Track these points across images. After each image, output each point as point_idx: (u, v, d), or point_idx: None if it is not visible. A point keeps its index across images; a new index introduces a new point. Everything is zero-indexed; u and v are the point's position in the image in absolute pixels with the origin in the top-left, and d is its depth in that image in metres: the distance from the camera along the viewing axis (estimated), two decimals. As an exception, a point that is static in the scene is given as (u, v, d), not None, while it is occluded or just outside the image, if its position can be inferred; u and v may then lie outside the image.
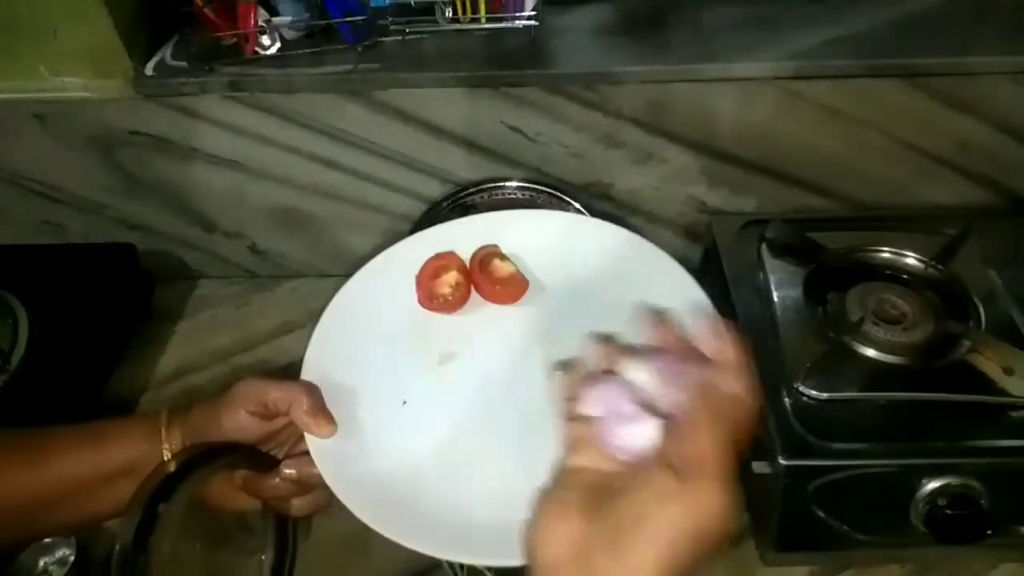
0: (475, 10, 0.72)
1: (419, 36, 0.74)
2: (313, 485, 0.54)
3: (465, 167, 0.80)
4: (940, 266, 0.69)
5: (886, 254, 0.71)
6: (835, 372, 0.60)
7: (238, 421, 0.52)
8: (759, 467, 0.58)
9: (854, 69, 0.69)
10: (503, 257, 0.64)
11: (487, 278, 0.63)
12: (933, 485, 0.55)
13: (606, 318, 0.53)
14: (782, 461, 0.55)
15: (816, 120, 0.73)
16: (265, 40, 0.73)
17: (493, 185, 0.80)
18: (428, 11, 0.73)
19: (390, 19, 0.73)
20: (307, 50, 0.74)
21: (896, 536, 0.59)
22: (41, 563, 0.63)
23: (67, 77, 0.73)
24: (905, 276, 0.69)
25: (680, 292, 0.56)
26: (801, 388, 0.59)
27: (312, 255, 0.90)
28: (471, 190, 0.81)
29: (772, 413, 0.58)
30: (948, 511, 0.55)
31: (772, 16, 0.75)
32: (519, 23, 0.72)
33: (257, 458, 0.54)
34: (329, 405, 0.54)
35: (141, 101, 0.74)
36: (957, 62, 0.69)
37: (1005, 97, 0.71)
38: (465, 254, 0.64)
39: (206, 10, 0.71)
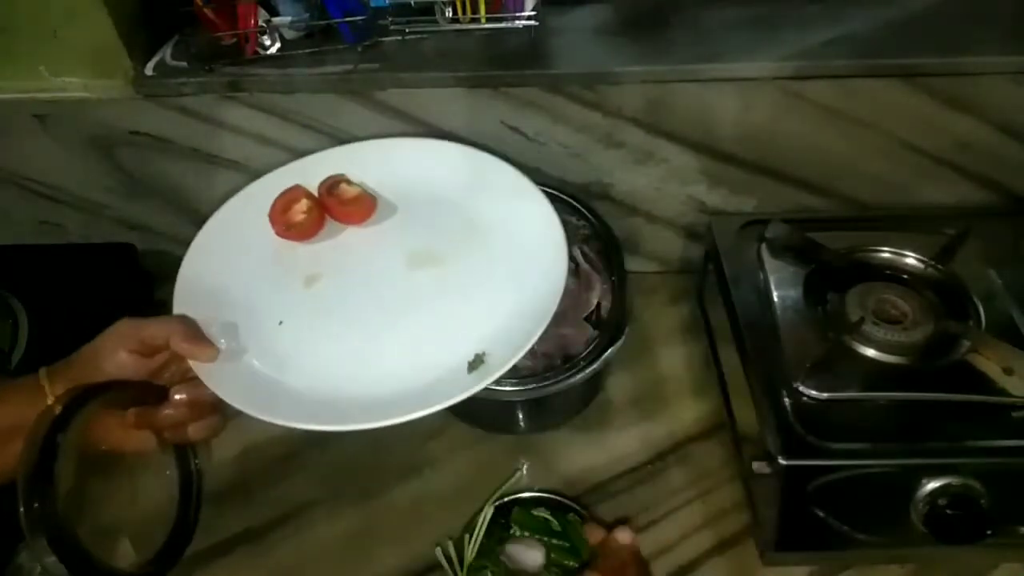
0: (475, 10, 0.72)
1: (419, 36, 0.74)
2: (206, 406, 0.56)
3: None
4: (940, 266, 0.69)
5: (886, 254, 0.71)
6: (835, 372, 0.60)
7: (118, 362, 0.53)
8: (759, 467, 0.58)
9: (854, 69, 0.69)
10: (349, 182, 0.70)
11: (335, 201, 0.68)
12: (933, 485, 0.55)
13: (452, 225, 0.66)
14: (782, 461, 0.55)
15: (816, 120, 0.73)
16: (265, 40, 0.73)
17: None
18: (428, 11, 0.73)
19: (390, 19, 0.73)
20: (307, 50, 0.74)
21: (896, 536, 0.59)
22: (41, 563, 0.62)
23: (67, 77, 0.73)
24: (905, 276, 0.69)
25: (516, 190, 0.67)
26: (801, 388, 0.59)
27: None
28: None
29: (772, 413, 0.58)
30: (948, 511, 0.55)
31: (772, 16, 0.75)
32: (519, 23, 0.72)
33: (145, 391, 0.55)
34: (209, 336, 0.58)
35: (141, 101, 0.74)
36: (957, 62, 0.69)
37: (1005, 97, 0.71)
38: (314, 188, 0.70)
39: (206, 10, 0.71)
